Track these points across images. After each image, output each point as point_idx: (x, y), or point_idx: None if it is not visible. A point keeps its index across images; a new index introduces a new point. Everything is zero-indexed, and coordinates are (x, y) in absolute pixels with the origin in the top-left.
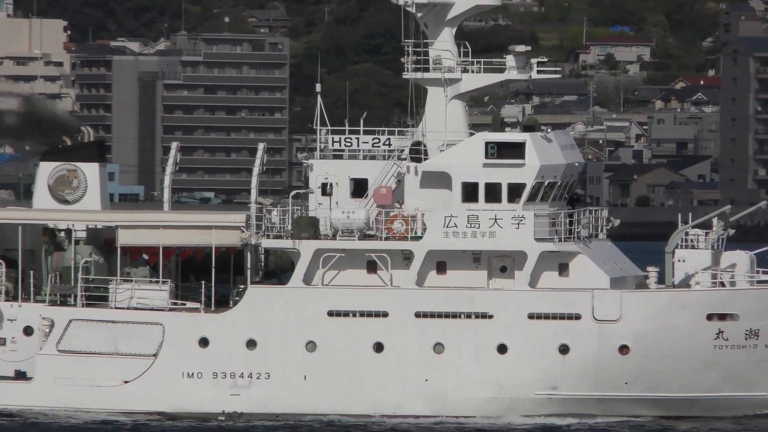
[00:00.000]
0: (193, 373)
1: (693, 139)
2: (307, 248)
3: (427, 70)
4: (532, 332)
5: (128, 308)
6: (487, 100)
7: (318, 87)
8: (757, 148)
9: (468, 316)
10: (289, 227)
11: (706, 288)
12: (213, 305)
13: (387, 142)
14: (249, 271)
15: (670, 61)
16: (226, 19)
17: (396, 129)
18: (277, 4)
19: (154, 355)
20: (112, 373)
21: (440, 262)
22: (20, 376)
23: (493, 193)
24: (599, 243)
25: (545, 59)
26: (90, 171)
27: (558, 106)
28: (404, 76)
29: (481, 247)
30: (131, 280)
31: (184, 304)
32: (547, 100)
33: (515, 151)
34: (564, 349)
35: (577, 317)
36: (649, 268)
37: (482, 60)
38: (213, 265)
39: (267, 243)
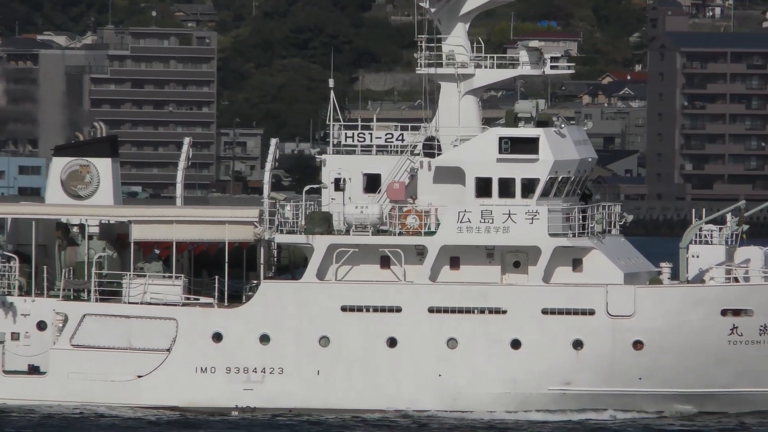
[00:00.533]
0: (206, 368)
1: (620, 134)
2: (320, 243)
3: (440, 65)
4: (546, 327)
5: (142, 303)
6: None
7: (331, 82)
8: (683, 142)
9: (481, 311)
10: (303, 222)
11: (720, 284)
12: (226, 300)
13: (400, 138)
14: (262, 267)
15: (597, 56)
16: (154, 13)
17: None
18: None
19: (168, 350)
20: (126, 367)
21: (454, 258)
22: (34, 370)
23: (506, 188)
24: (612, 238)
25: (558, 55)
26: (102, 166)
27: (485, 101)
28: (417, 72)
29: (494, 242)
30: (145, 275)
31: (198, 299)
32: None
33: (529, 146)
34: (578, 345)
35: (591, 312)
36: (663, 264)
37: (495, 56)
38: (226, 260)
39: (280, 238)
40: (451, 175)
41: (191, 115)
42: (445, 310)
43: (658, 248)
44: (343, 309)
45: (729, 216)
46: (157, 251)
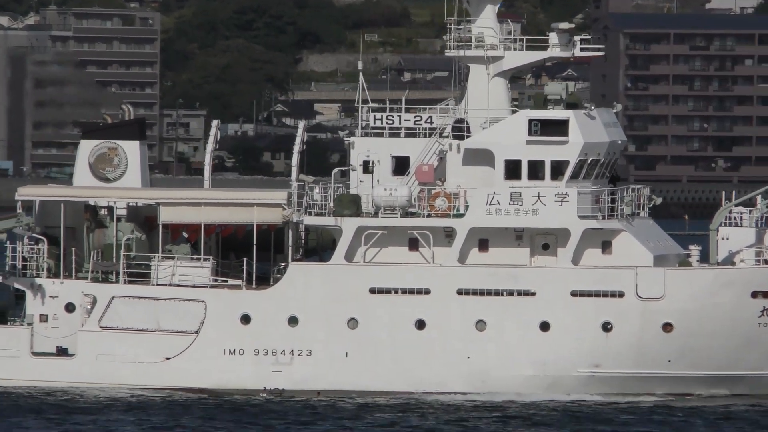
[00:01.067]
0: (234, 350)
1: None
2: (349, 225)
3: (469, 47)
4: (575, 310)
5: (170, 285)
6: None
7: (360, 65)
8: (626, 123)
9: (510, 293)
10: (331, 205)
11: (750, 266)
12: (254, 282)
13: (429, 120)
14: (290, 249)
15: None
16: None
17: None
18: None
19: (196, 332)
20: (154, 349)
21: (482, 240)
22: (62, 352)
23: (535, 170)
24: (641, 221)
25: (588, 36)
26: (130, 149)
27: (430, 82)
28: (447, 54)
29: (523, 225)
30: (173, 257)
31: (226, 281)
32: (419, 76)
33: (559, 128)
34: (607, 327)
35: (621, 295)
36: (692, 247)
37: (525, 38)
38: (254, 242)
39: (309, 220)
40: (480, 157)
41: (134, 96)
42: (474, 293)
43: None
44: (372, 291)
45: (759, 198)
46: (185, 234)
